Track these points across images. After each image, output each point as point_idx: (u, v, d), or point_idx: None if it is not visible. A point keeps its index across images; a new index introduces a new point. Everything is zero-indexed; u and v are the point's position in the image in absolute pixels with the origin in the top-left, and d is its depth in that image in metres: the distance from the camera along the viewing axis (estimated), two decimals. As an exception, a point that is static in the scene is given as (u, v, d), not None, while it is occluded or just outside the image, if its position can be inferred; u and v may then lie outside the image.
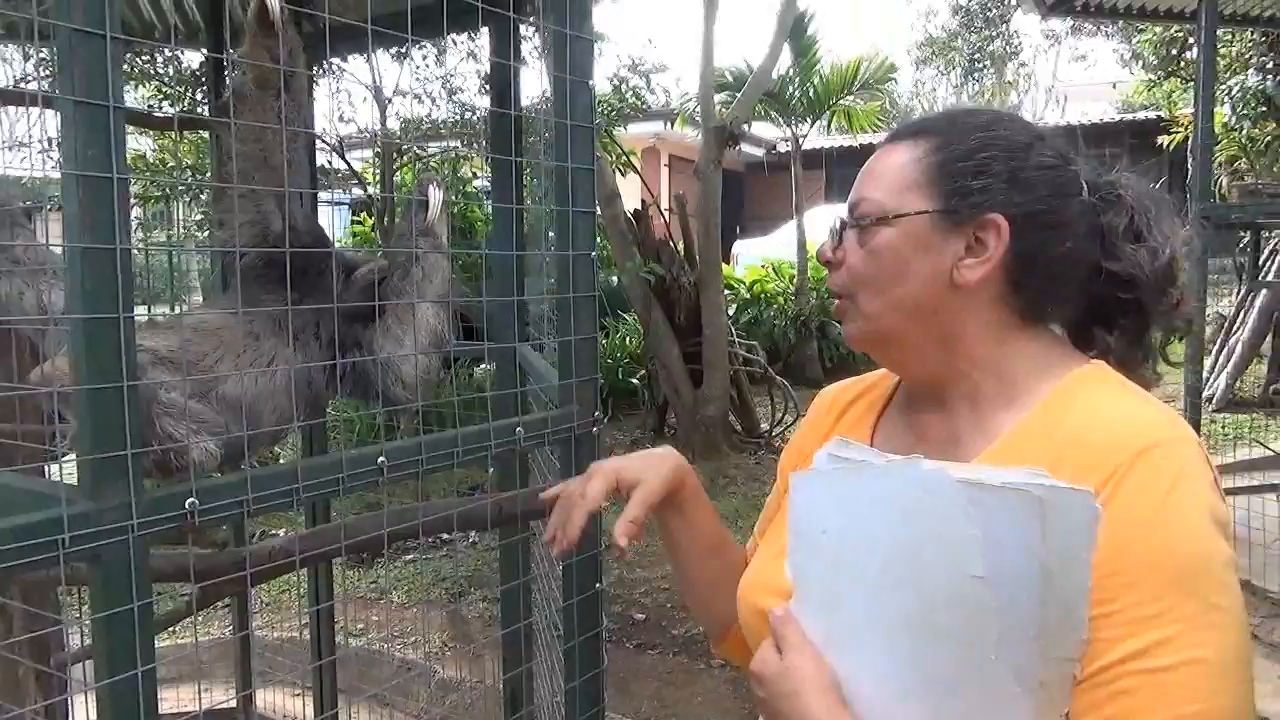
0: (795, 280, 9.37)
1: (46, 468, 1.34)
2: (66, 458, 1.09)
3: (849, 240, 0.93)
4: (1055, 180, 0.89)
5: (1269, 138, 7.51)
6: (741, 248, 13.09)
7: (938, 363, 0.91)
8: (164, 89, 6.01)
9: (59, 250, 1.04)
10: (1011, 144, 0.89)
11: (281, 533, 3.96)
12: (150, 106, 5.76)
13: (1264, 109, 7.08)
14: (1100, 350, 0.92)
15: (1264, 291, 6.75)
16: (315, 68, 2.53)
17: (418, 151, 7.17)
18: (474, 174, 7.45)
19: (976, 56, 20.44)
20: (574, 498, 1.04)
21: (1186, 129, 7.95)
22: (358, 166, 7.13)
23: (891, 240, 0.89)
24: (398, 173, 7.01)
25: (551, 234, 1.44)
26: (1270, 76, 6.96)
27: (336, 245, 1.50)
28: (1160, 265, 0.89)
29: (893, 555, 0.76)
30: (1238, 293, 7.40)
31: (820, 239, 1.03)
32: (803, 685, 0.79)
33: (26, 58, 3.20)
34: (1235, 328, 7.13)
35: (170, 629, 2.38)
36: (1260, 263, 6.29)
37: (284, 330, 1.34)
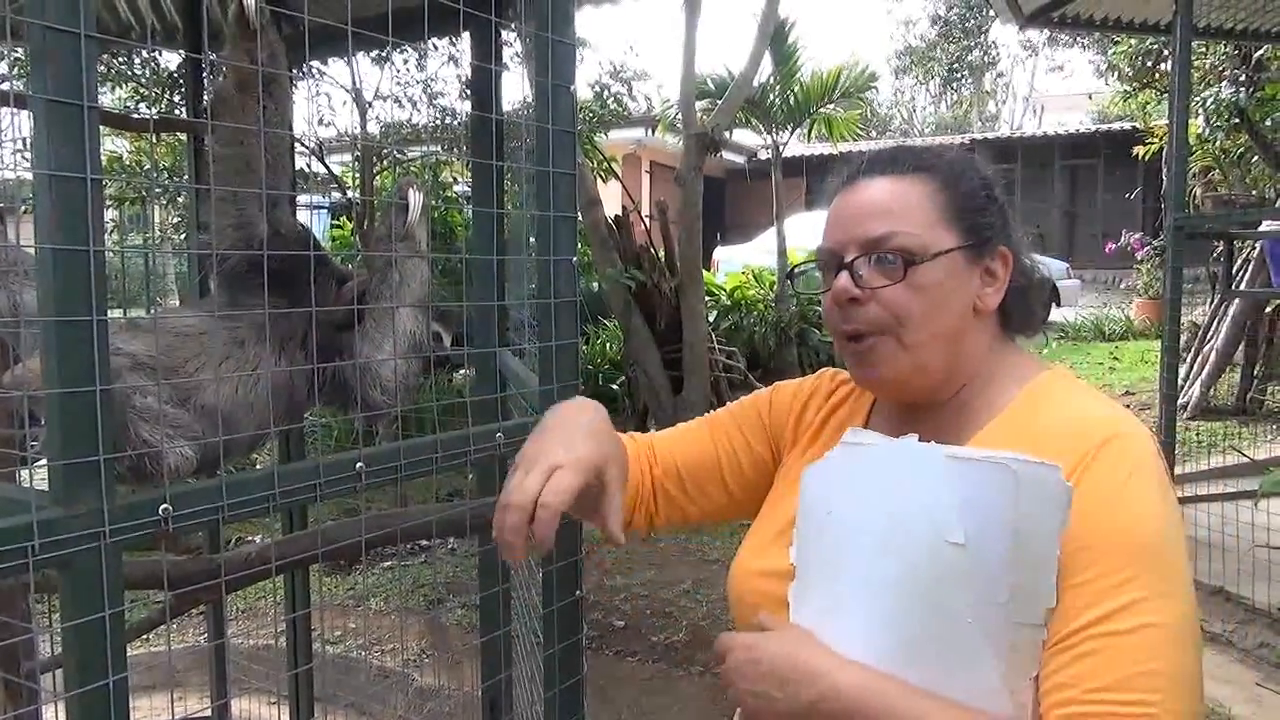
0: (775, 287, 9.39)
1: (17, 472, 1.31)
2: (39, 462, 1.07)
3: (872, 276, 0.95)
4: (1009, 211, 1.02)
5: (1241, 149, 7.60)
6: (722, 254, 13.10)
7: (944, 383, 0.98)
8: (141, 90, 5.95)
9: (32, 250, 1.02)
10: (991, 181, 1.01)
11: (257, 539, 3.92)
12: (127, 108, 5.70)
13: (1237, 121, 7.15)
14: None
15: (1237, 301, 6.83)
16: (295, 70, 2.52)
17: (398, 156, 7.14)
18: (454, 179, 7.42)
19: (955, 66, 20.66)
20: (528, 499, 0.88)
21: (1161, 140, 8.04)
22: (337, 170, 7.09)
23: (936, 275, 0.95)
24: (377, 177, 6.97)
25: (532, 239, 1.43)
26: (1243, 89, 7.04)
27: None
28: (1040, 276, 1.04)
29: (886, 525, 0.85)
30: (1211, 302, 7.49)
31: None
32: (800, 641, 0.88)
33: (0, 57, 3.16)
34: (1209, 336, 7.21)
35: (143, 636, 2.34)
36: (1233, 272, 6.36)
37: (269, 338, 1.33)
